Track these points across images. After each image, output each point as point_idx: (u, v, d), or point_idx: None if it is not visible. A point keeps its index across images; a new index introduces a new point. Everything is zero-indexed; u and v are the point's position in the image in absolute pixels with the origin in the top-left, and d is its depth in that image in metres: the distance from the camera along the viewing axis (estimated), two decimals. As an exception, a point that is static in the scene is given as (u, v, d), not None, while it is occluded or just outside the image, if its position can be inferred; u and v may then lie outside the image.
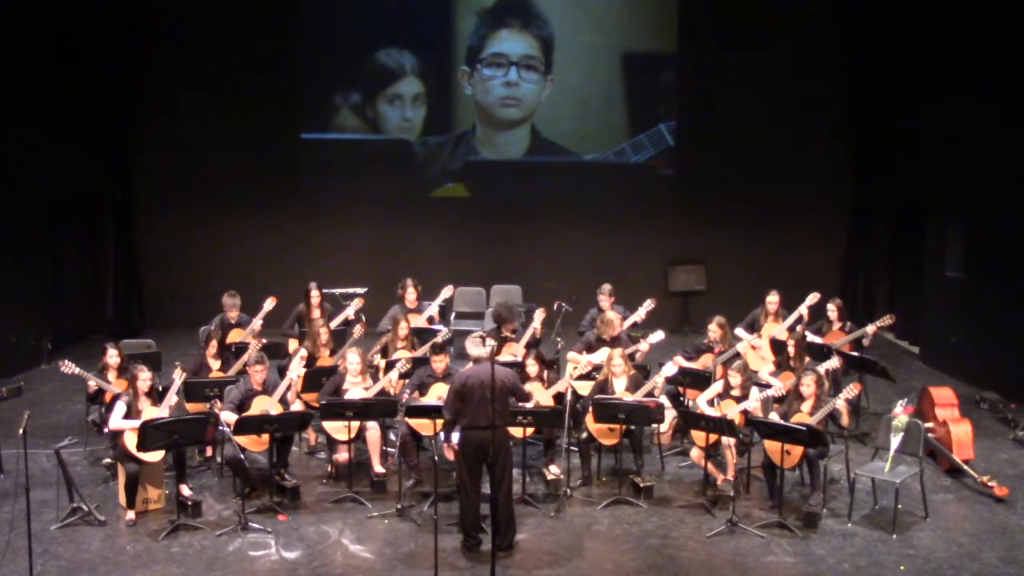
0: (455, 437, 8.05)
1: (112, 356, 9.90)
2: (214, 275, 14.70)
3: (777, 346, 10.72)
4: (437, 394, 9.17)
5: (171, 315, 15.30)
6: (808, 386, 8.70)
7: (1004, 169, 12.02)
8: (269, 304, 11.34)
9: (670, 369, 9.55)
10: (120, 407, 8.81)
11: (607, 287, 11.43)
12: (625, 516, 8.77)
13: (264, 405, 9.10)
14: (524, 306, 12.80)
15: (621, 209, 15.86)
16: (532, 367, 9.61)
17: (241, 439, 8.79)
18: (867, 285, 15.77)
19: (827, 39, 15.52)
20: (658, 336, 10.62)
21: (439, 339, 10.00)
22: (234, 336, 11.09)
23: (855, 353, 10.78)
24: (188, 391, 9.51)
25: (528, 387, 9.29)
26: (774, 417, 8.73)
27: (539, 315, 10.96)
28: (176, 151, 15.53)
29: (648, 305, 11.18)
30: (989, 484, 9.16)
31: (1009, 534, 8.43)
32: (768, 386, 9.40)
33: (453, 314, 13.83)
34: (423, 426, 9.11)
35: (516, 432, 9.02)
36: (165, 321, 15.27)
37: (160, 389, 9.21)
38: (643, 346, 10.51)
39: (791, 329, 10.91)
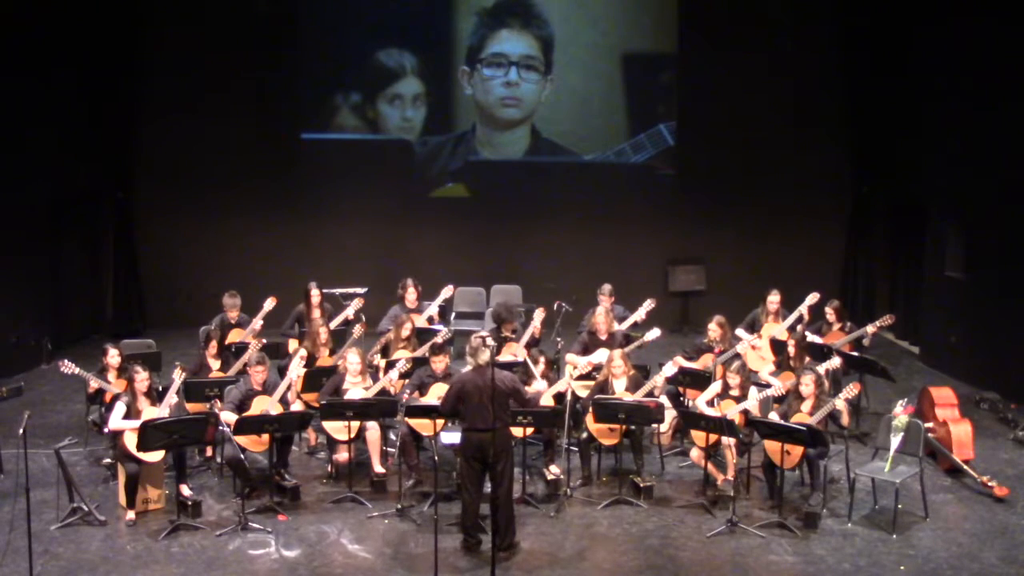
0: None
1: (112, 356, 9.89)
2: (214, 275, 14.70)
3: (777, 346, 10.73)
4: (437, 394, 9.16)
5: (171, 315, 15.30)
6: (807, 386, 8.70)
7: (1004, 169, 12.02)
8: (269, 304, 11.34)
9: (670, 369, 9.56)
10: (120, 407, 8.81)
11: (607, 287, 11.47)
12: (625, 516, 8.77)
13: (264, 405, 9.10)
14: (524, 306, 12.80)
15: (621, 209, 15.85)
16: (540, 366, 9.63)
17: (241, 439, 8.79)
18: (867, 285, 15.76)
19: (827, 39, 15.51)
20: (655, 333, 10.64)
21: (439, 339, 10.01)
22: (234, 336, 11.09)
23: (855, 353, 10.78)
24: (188, 391, 9.51)
25: (531, 385, 9.31)
26: (774, 417, 8.73)
27: (539, 315, 10.97)
28: (176, 151, 15.52)
29: (648, 305, 11.20)
30: (989, 484, 9.16)
31: (1009, 534, 8.43)
32: (768, 386, 9.40)
33: (453, 314, 13.83)
34: (423, 426, 9.11)
35: (516, 432, 9.03)
36: (165, 321, 15.27)
37: (160, 389, 9.22)
38: (647, 336, 10.57)
39: (791, 329, 10.92)
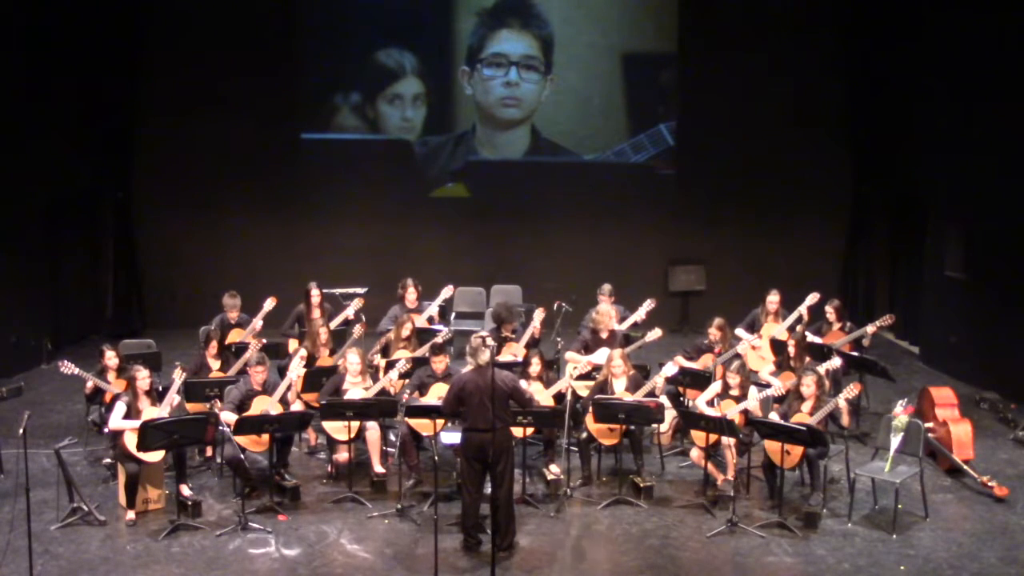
0: None
1: (110, 358, 9.89)
2: (214, 275, 14.70)
3: (777, 346, 10.73)
4: (437, 394, 9.17)
5: (171, 315, 15.30)
6: (808, 386, 8.70)
7: (1004, 169, 12.02)
8: (269, 304, 11.34)
9: (670, 369, 9.56)
10: (120, 407, 8.81)
11: (607, 287, 11.48)
12: (625, 516, 8.77)
13: (264, 405, 9.10)
14: (524, 306, 12.80)
15: (621, 209, 15.84)
16: (535, 367, 9.62)
17: (241, 439, 8.79)
18: (867, 285, 15.77)
19: (827, 39, 15.52)
20: (655, 334, 10.65)
21: (439, 339, 10.01)
22: (234, 336, 11.09)
23: (855, 353, 10.78)
24: (188, 391, 9.51)
25: (530, 386, 9.28)
26: (774, 417, 8.73)
27: (539, 315, 10.97)
28: (176, 151, 15.52)
29: (648, 305, 11.21)
30: (989, 484, 9.16)
31: (1009, 534, 8.43)
32: (768, 386, 9.41)
33: (453, 314, 13.83)
34: (423, 426, 9.11)
35: (516, 432, 9.02)
36: (165, 321, 15.27)
37: (160, 389, 9.22)
38: (647, 337, 10.59)
39: (791, 329, 10.92)
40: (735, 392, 9.12)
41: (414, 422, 9.14)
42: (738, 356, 9.97)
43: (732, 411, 8.87)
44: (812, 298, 11.38)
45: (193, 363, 10.28)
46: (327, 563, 7.92)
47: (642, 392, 9.31)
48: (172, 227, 15.71)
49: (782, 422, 8.51)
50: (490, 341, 7.98)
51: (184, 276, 15.63)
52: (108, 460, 9.56)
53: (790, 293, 11.76)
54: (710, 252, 15.88)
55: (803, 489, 9.08)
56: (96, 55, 14.68)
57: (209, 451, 9.84)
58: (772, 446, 8.56)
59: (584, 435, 9.37)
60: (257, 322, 11.19)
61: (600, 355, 10.24)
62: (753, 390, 9.08)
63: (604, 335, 10.69)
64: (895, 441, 8.69)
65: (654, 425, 9.50)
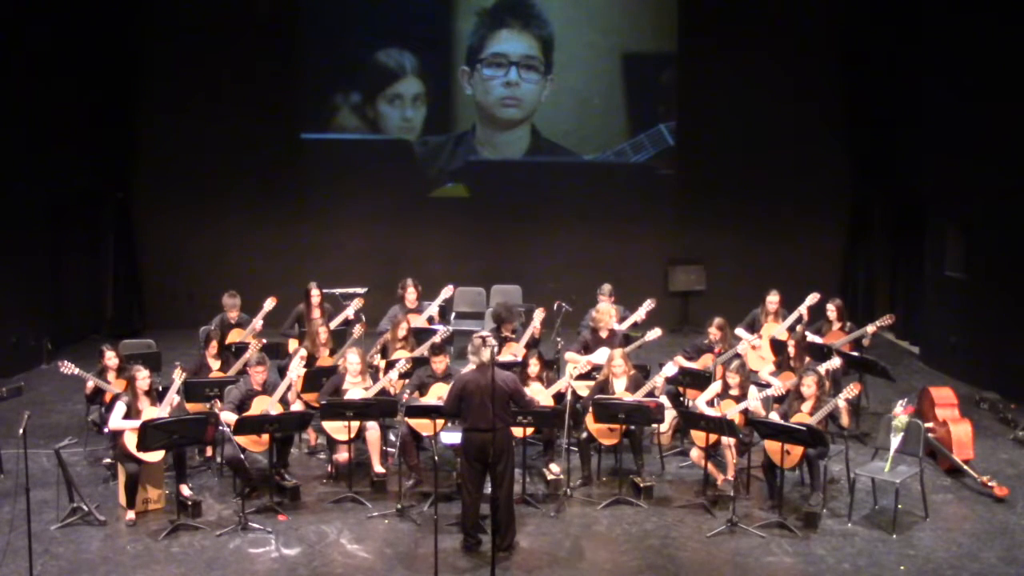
0: None
1: (110, 358, 9.88)
2: (214, 275, 14.71)
3: (777, 346, 10.73)
4: (437, 394, 9.17)
5: (171, 315, 15.30)
6: (809, 387, 8.70)
7: (1004, 169, 12.02)
8: (269, 304, 11.34)
9: (670, 369, 9.56)
10: (120, 407, 8.81)
11: (607, 287, 11.49)
12: (625, 516, 8.77)
13: (264, 405, 9.10)
14: (524, 306, 12.81)
15: (621, 209, 15.85)
16: (533, 367, 9.61)
17: (241, 439, 8.79)
18: (867, 285, 15.77)
19: (827, 39, 15.52)
20: (655, 333, 10.65)
21: (437, 339, 10.01)
22: (234, 336, 11.09)
23: (855, 353, 10.78)
24: (188, 391, 9.51)
25: (530, 386, 9.28)
26: (774, 417, 8.73)
27: (539, 315, 10.97)
28: (176, 151, 15.52)
29: (648, 305, 11.21)
30: (989, 484, 9.16)
31: (1009, 534, 8.43)
32: (768, 386, 9.41)
33: (453, 314, 13.83)
34: (423, 426, 9.11)
35: (516, 432, 9.02)
36: (165, 321, 15.27)
37: (160, 389, 9.22)
38: (647, 336, 10.59)
39: (791, 329, 10.92)
40: (735, 392, 9.12)
41: (414, 422, 9.14)
42: (738, 356, 9.97)
43: (732, 411, 8.87)
44: (812, 298, 11.38)
45: (193, 363, 10.28)
46: (327, 563, 7.92)
47: (642, 392, 9.31)
48: (172, 227, 15.72)
49: (782, 422, 8.51)
50: (491, 341, 7.98)
51: (184, 276, 15.64)
52: (108, 460, 9.56)
53: (790, 293, 11.76)
54: (710, 252, 15.87)
55: (803, 489, 9.08)
56: (96, 55, 14.69)
57: (209, 451, 9.84)
58: (772, 446, 8.56)
59: (584, 435, 9.37)
60: (257, 322, 11.19)
61: (600, 355, 10.24)
62: (753, 390, 9.08)
63: (604, 335, 10.69)
64: (895, 441, 8.69)
65: (654, 425, 9.50)
